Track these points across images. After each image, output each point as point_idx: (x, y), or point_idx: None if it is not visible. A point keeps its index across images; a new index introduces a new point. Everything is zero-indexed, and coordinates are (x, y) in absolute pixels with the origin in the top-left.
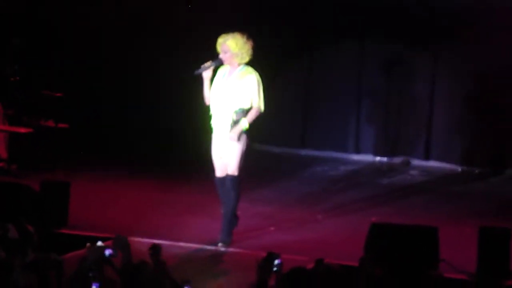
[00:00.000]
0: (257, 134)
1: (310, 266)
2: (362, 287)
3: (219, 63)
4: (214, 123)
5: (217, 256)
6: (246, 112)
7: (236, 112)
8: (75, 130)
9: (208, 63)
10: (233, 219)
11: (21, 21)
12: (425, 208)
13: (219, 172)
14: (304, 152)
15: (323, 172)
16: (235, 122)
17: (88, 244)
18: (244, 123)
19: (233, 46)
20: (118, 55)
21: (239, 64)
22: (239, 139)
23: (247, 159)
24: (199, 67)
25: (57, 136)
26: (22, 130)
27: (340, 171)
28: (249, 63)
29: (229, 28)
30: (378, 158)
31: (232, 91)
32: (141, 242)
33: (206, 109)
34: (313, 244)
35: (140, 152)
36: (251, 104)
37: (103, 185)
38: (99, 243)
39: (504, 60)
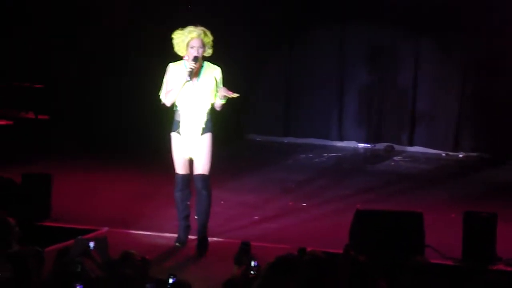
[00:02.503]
0: (241, 124)
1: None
2: (346, 274)
3: (196, 61)
4: (182, 122)
5: None
6: (213, 108)
7: (208, 113)
8: (56, 122)
9: (192, 64)
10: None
11: None
12: (409, 194)
13: (182, 170)
14: (287, 140)
15: (307, 160)
16: (208, 122)
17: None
18: (221, 99)
19: (207, 41)
20: (100, 45)
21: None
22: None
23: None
24: (189, 74)
25: (38, 128)
26: (2, 122)
27: (324, 158)
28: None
29: (203, 23)
30: (361, 145)
31: (202, 89)
32: (125, 233)
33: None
34: (298, 232)
35: (123, 144)
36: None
37: (86, 177)
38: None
39: (490, 47)
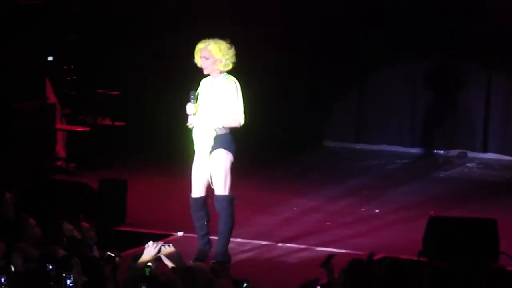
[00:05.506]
0: (313, 129)
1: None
2: (427, 281)
3: (195, 95)
4: (195, 138)
5: (275, 252)
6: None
7: (217, 128)
8: (132, 128)
9: (190, 105)
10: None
11: (75, 16)
12: (483, 201)
13: (196, 193)
14: (359, 146)
15: (380, 166)
16: (216, 138)
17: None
18: (218, 123)
19: (216, 52)
20: (174, 51)
21: (221, 73)
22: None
23: (235, 174)
24: (187, 114)
25: (114, 134)
26: (80, 129)
27: (396, 164)
28: (231, 72)
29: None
30: (434, 151)
31: (212, 103)
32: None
33: None
34: (370, 238)
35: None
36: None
37: (161, 182)
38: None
39: None
